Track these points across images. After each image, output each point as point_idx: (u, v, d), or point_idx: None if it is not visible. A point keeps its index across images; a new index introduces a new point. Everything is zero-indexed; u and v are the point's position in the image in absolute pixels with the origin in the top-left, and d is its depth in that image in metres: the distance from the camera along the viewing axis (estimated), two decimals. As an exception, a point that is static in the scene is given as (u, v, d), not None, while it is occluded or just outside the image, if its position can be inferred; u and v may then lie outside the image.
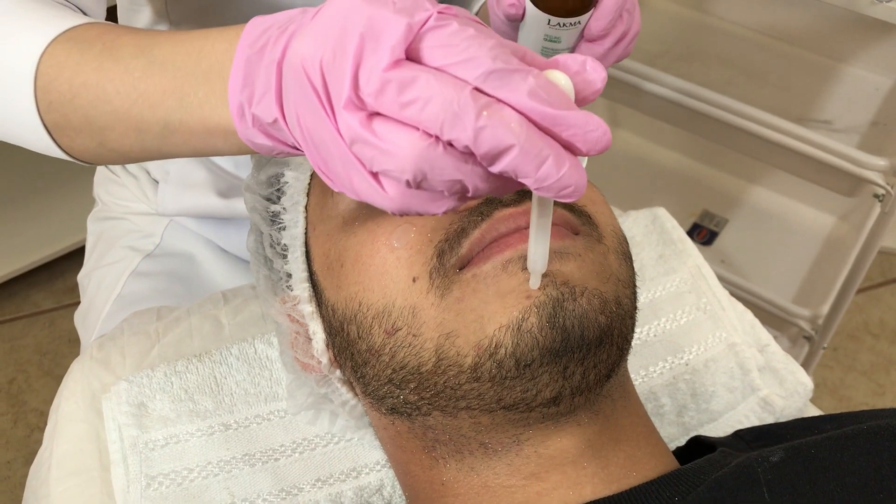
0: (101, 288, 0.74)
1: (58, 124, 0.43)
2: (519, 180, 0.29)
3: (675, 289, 0.63)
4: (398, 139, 0.29)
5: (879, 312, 1.68)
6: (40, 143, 0.44)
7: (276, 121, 0.34)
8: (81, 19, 0.44)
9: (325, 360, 0.48)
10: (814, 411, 0.62)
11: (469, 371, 0.39)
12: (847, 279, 1.08)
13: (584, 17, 0.41)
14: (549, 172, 0.28)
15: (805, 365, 1.20)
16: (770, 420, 0.58)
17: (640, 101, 1.13)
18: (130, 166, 0.80)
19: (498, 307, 0.38)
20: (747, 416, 0.58)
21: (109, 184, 0.82)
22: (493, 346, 0.38)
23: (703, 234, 1.33)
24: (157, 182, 0.77)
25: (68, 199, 1.68)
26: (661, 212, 0.68)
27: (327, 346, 0.47)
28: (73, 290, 1.70)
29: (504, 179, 0.30)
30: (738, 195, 1.40)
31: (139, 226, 0.78)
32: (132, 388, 0.54)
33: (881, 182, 0.94)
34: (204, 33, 0.38)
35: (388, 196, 0.31)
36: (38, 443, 1.49)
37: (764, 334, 0.63)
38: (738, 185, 1.42)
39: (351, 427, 0.53)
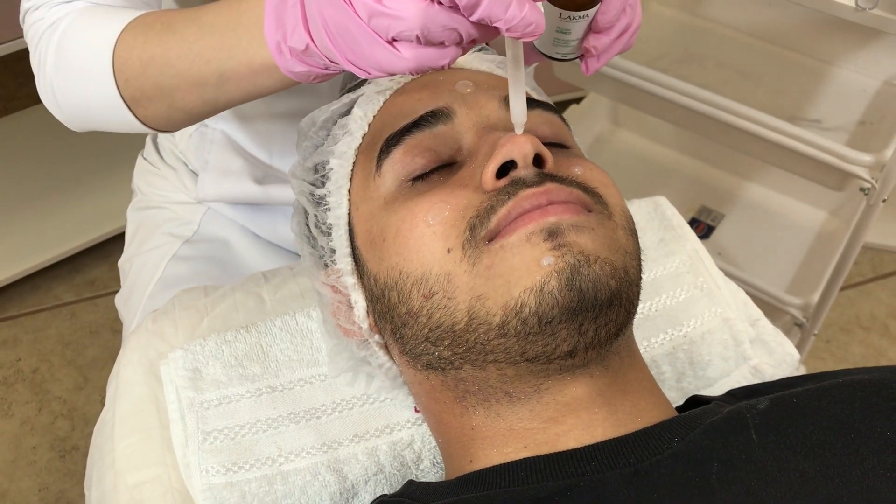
0: (143, 271, 0.80)
1: (134, 97, 0.54)
2: (494, 25, 0.39)
3: (675, 269, 0.69)
4: (403, 5, 0.38)
5: (870, 306, 1.74)
6: (123, 118, 0.56)
7: (307, 47, 0.44)
8: (144, 10, 0.55)
9: (365, 325, 0.54)
10: (800, 379, 0.68)
11: (497, 328, 0.45)
12: (835, 269, 1.14)
13: (591, 11, 0.47)
14: (514, 14, 0.38)
15: (798, 350, 1.26)
16: (760, 386, 0.64)
17: (641, 102, 1.18)
18: (170, 158, 0.86)
19: (523, 273, 0.44)
20: (739, 381, 0.64)
21: (149, 175, 0.88)
22: (519, 306, 0.44)
23: (700, 227, 1.39)
24: (196, 173, 0.83)
25: (88, 195, 1.73)
26: (662, 200, 0.74)
27: (368, 312, 0.54)
28: (94, 283, 1.76)
29: (485, 26, 0.40)
30: (734, 191, 1.46)
31: (178, 214, 0.84)
32: (187, 356, 0.60)
33: (866, 176, 1.01)
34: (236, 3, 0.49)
35: (404, 58, 0.40)
36: (62, 430, 1.54)
37: (755, 310, 0.69)
38: (735, 181, 1.47)
39: (385, 388, 0.59)
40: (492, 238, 0.46)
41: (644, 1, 1.48)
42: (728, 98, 1.08)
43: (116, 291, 0.85)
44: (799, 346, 1.23)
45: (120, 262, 0.87)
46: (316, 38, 0.43)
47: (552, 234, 0.44)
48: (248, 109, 0.79)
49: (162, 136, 0.88)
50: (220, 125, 0.81)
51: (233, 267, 0.80)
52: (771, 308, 1.20)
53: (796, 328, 1.23)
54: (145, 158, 0.90)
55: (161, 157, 0.87)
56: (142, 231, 0.84)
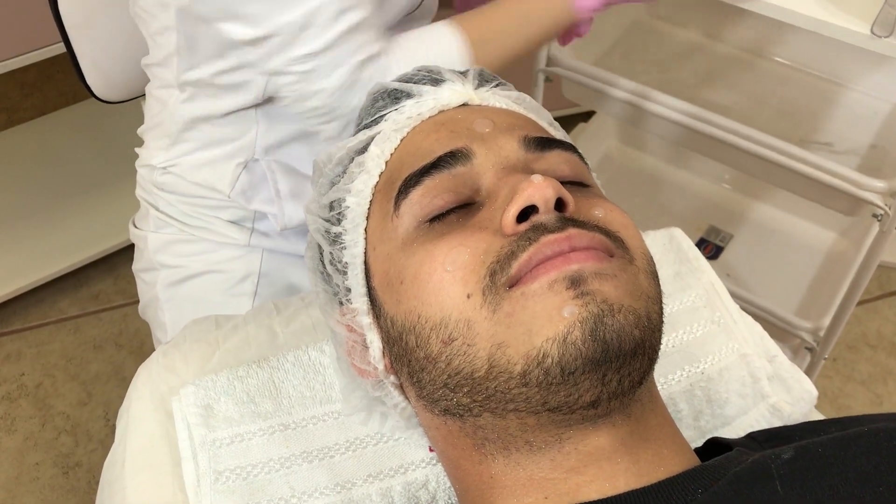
0: None
1: (480, 41, 0.74)
2: None
3: (691, 304, 0.68)
4: None
5: (877, 324, 1.74)
6: (464, 60, 0.73)
7: None
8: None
9: (381, 366, 0.53)
10: (818, 417, 0.67)
11: (518, 377, 0.44)
12: (847, 293, 1.13)
13: None
14: None
15: (806, 375, 1.25)
16: (779, 424, 0.63)
17: (650, 123, 1.18)
18: (197, 221, 0.83)
19: (545, 321, 0.43)
20: (758, 420, 0.63)
21: (175, 245, 0.83)
22: (541, 355, 0.43)
23: (709, 248, 1.38)
24: (233, 222, 0.81)
25: (94, 207, 1.73)
26: (678, 232, 0.74)
27: (383, 353, 0.53)
28: (98, 297, 1.75)
29: None
30: (743, 210, 1.46)
31: (230, 270, 0.81)
32: (199, 391, 0.59)
33: (880, 203, 1.00)
34: None
35: None
36: (65, 446, 1.53)
37: (772, 346, 0.68)
38: (743, 200, 1.47)
39: (400, 427, 0.58)
40: (513, 284, 0.45)
41: (652, 20, 1.48)
42: (737, 120, 1.08)
43: (121, 305, 0.83)
44: (808, 371, 1.22)
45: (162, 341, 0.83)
46: None
47: (575, 281, 0.43)
48: (288, 134, 0.79)
49: (173, 202, 0.82)
50: (274, 155, 0.80)
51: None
52: (780, 331, 1.19)
53: (806, 352, 1.22)
54: (156, 232, 0.84)
55: (183, 223, 0.83)
56: (188, 305, 0.81)
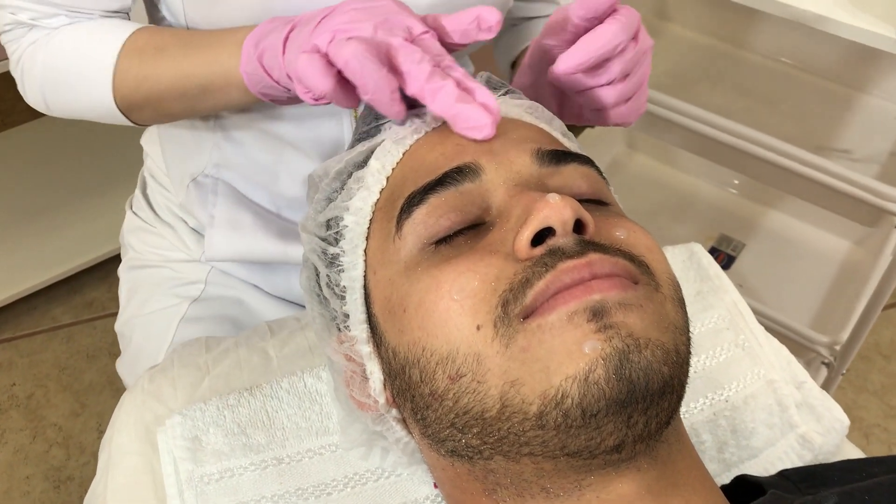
0: (151, 336, 0.74)
1: (129, 107, 0.64)
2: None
3: (714, 325, 0.64)
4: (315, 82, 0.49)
5: (890, 334, 1.69)
6: (116, 118, 0.65)
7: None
8: (129, 27, 0.63)
9: (381, 399, 0.49)
10: (850, 447, 0.63)
11: (534, 419, 0.40)
12: (868, 305, 1.09)
13: None
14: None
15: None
16: (809, 457, 0.59)
17: (658, 128, 1.14)
18: (166, 215, 0.81)
19: (564, 358, 0.39)
20: (787, 452, 0.59)
21: (142, 233, 0.82)
22: (560, 395, 0.39)
23: (721, 257, 1.34)
24: (196, 230, 0.77)
25: (86, 216, 1.69)
26: (698, 248, 0.69)
27: (384, 385, 0.49)
28: (92, 305, 1.71)
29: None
30: (754, 219, 1.42)
31: (181, 272, 0.78)
32: (186, 422, 0.55)
33: (903, 213, 0.96)
34: (225, 30, 0.59)
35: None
36: (57, 458, 1.49)
37: (800, 371, 0.64)
38: (755, 208, 1.43)
39: (403, 463, 0.54)
40: (528, 315, 0.41)
41: (663, 23, 1.44)
42: (751, 126, 1.04)
43: (116, 314, 0.81)
44: (825, 386, 1.18)
45: (117, 326, 0.81)
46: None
47: (597, 313, 0.39)
48: (253, 153, 0.73)
49: (155, 191, 0.82)
50: (224, 174, 0.75)
51: (249, 325, 0.75)
52: (795, 345, 1.15)
53: (822, 366, 1.18)
54: (136, 213, 0.84)
55: (156, 214, 0.82)
56: (141, 292, 0.79)
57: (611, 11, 0.52)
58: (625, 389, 0.38)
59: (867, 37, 0.86)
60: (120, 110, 0.64)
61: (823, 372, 1.18)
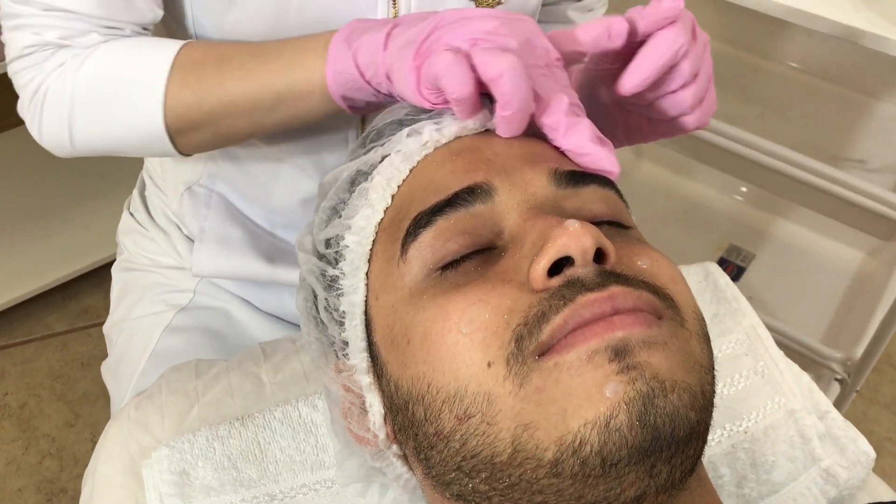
0: (134, 342, 0.72)
1: (181, 128, 0.57)
2: None
3: (732, 350, 0.61)
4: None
5: (901, 344, 1.66)
6: (157, 145, 0.58)
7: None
8: (175, 41, 0.57)
9: (382, 434, 0.46)
10: (876, 481, 0.60)
11: (549, 466, 0.37)
12: (885, 320, 1.06)
13: None
14: None
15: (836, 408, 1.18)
16: (833, 492, 0.56)
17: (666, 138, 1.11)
18: (161, 219, 0.78)
19: (583, 400, 0.36)
20: (809, 488, 0.56)
21: (136, 235, 0.80)
22: (578, 442, 0.36)
23: (730, 269, 1.31)
24: (190, 239, 0.75)
25: (81, 221, 1.67)
26: (714, 268, 0.66)
27: (385, 419, 0.45)
28: (87, 312, 1.68)
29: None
30: (764, 228, 1.38)
31: (170, 279, 0.76)
32: (174, 455, 0.52)
33: (922, 227, 0.93)
34: (303, 36, 0.54)
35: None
36: (49, 470, 1.46)
37: (822, 399, 0.61)
38: (764, 217, 1.39)
39: (403, 501, 0.50)
40: (543, 353, 0.37)
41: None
42: (762, 135, 1.01)
43: None
44: (838, 404, 1.15)
45: (105, 328, 0.79)
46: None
47: (619, 352, 0.36)
48: (248, 167, 0.70)
49: (153, 193, 0.80)
50: (218, 186, 0.72)
51: (234, 339, 0.72)
52: (807, 360, 1.12)
53: (834, 382, 1.14)
54: (132, 215, 0.81)
55: (151, 217, 0.79)
56: (131, 295, 0.76)
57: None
58: (649, 437, 0.35)
59: (885, 44, 0.83)
60: (168, 133, 0.57)
61: (836, 388, 1.14)
